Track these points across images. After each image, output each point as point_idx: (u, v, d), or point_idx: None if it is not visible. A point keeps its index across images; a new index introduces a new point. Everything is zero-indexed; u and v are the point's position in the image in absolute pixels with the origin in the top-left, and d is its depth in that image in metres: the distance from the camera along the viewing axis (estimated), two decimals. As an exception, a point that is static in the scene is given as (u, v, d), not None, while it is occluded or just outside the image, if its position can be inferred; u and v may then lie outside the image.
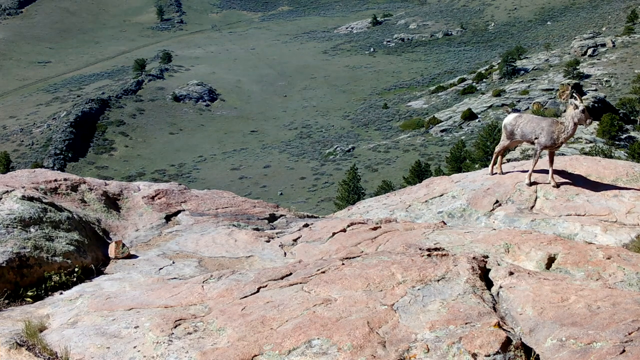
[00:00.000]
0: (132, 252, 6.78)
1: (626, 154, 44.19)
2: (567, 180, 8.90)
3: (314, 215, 9.73)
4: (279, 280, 5.13)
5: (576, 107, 8.47)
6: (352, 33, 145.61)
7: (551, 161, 8.81)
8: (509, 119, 9.34)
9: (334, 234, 7.33)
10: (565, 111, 8.71)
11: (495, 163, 9.69)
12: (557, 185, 8.77)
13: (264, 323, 4.35)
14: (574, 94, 8.58)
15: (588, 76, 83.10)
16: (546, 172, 9.36)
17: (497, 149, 9.64)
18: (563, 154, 10.14)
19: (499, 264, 5.38)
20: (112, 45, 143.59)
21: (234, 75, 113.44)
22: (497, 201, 8.76)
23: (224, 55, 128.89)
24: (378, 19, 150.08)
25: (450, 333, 4.10)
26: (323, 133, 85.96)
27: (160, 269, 6.27)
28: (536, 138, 8.79)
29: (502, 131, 9.47)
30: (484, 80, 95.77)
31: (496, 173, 9.65)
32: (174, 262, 6.49)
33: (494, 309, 4.53)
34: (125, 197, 8.24)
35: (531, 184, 8.82)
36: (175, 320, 4.55)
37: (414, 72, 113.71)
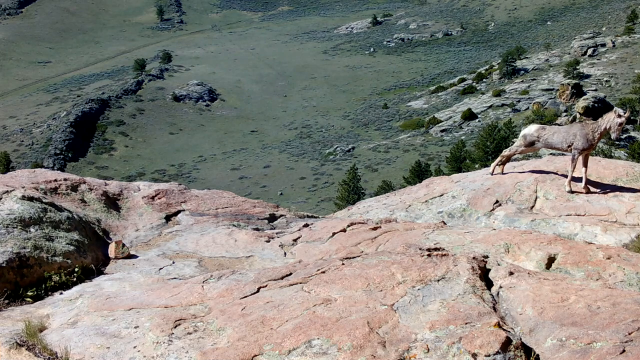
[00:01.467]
0: (132, 252, 6.78)
1: (626, 154, 44.18)
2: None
3: (314, 215, 9.73)
4: (279, 280, 5.13)
5: (619, 116, 8.38)
6: (352, 33, 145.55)
7: (585, 164, 8.71)
8: (531, 130, 9.25)
9: (334, 234, 7.33)
10: (602, 116, 8.67)
11: (499, 164, 9.66)
12: (588, 191, 8.66)
13: (264, 323, 4.35)
14: (626, 109, 8.50)
15: (588, 76, 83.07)
16: (546, 172, 9.37)
17: (507, 152, 9.54)
18: (563, 154, 10.11)
19: (499, 264, 5.38)
20: (112, 45, 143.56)
21: (234, 75, 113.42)
22: (497, 201, 8.76)
23: (224, 55, 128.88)
24: (378, 19, 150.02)
25: (450, 333, 4.10)
26: (323, 133, 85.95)
27: (160, 269, 6.27)
28: (569, 145, 8.73)
29: (520, 140, 9.37)
30: (484, 80, 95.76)
31: (497, 173, 9.65)
32: (174, 262, 6.49)
33: (494, 309, 4.53)
34: (125, 197, 8.23)
35: (572, 191, 8.63)
36: (175, 320, 4.55)
37: (414, 72, 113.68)
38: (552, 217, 8.11)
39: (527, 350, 4.03)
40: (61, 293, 5.64)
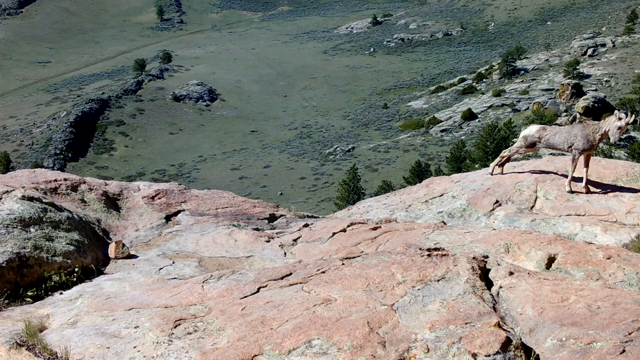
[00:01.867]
0: (132, 252, 6.78)
1: (626, 154, 44.17)
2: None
3: (314, 215, 9.73)
4: (279, 280, 5.13)
5: (620, 119, 8.32)
6: (352, 33, 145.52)
7: (587, 164, 8.70)
8: (532, 131, 9.20)
9: (334, 234, 7.33)
10: (604, 118, 8.63)
11: (498, 164, 9.65)
12: (588, 191, 8.66)
13: (264, 323, 4.35)
14: (627, 112, 8.39)
15: (588, 76, 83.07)
16: (546, 172, 9.38)
17: (507, 153, 9.50)
18: (563, 154, 10.11)
19: (499, 264, 5.38)
20: (112, 45, 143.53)
21: (234, 75, 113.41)
22: (497, 201, 8.76)
23: (224, 55, 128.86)
24: (378, 19, 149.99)
25: (450, 333, 4.10)
26: (323, 133, 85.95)
27: (160, 269, 6.27)
28: (570, 146, 8.70)
29: (520, 140, 9.32)
30: (484, 80, 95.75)
31: (497, 173, 9.64)
32: (174, 262, 6.49)
33: (494, 309, 4.53)
34: (125, 197, 8.23)
35: (572, 191, 8.61)
36: (175, 320, 4.55)
37: (414, 72, 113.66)
38: (552, 217, 8.11)
39: (527, 350, 4.03)
40: (61, 293, 5.64)
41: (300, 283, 5.00)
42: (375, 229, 7.28)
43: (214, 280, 5.29)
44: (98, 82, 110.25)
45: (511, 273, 5.11)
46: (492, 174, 9.65)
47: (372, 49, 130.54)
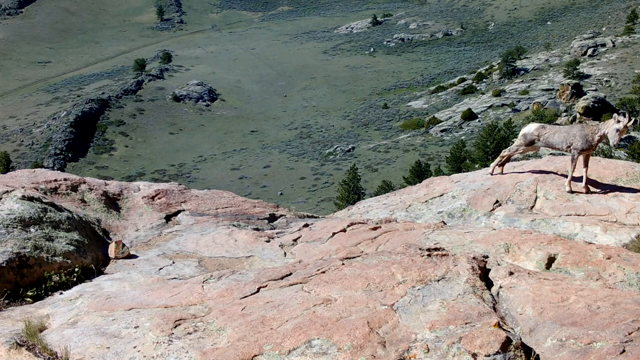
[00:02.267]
0: (132, 252, 6.78)
1: (626, 154, 44.17)
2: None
3: (314, 215, 9.73)
4: (279, 280, 5.13)
5: (618, 121, 8.30)
6: (352, 33, 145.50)
7: (586, 164, 8.69)
8: (531, 129, 9.19)
9: (334, 234, 7.33)
10: (603, 121, 8.61)
11: (499, 164, 9.64)
12: (588, 191, 8.67)
13: (264, 323, 4.35)
14: (625, 114, 8.36)
15: (588, 76, 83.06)
16: (546, 172, 9.38)
17: (507, 152, 9.49)
18: (563, 154, 10.12)
19: (499, 264, 5.38)
20: (112, 45, 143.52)
21: (234, 75, 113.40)
22: (497, 201, 8.76)
23: (224, 55, 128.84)
24: (378, 19, 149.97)
25: (450, 333, 4.10)
26: (323, 133, 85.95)
27: (160, 269, 6.27)
28: (569, 146, 8.69)
29: (520, 139, 9.31)
30: (484, 80, 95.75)
31: (497, 173, 9.64)
32: (174, 262, 6.49)
33: (494, 309, 4.53)
34: (125, 197, 8.23)
35: (572, 191, 8.60)
36: (175, 320, 4.55)
37: (414, 72, 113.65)
38: (552, 217, 8.11)
39: (527, 350, 4.03)
40: (61, 293, 5.64)
41: (300, 283, 5.00)
42: (375, 229, 7.28)
43: (214, 280, 5.29)
44: (98, 82, 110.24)
45: (511, 273, 5.11)
46: (492, 174, 9.65)
47: (372, 49, 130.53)
